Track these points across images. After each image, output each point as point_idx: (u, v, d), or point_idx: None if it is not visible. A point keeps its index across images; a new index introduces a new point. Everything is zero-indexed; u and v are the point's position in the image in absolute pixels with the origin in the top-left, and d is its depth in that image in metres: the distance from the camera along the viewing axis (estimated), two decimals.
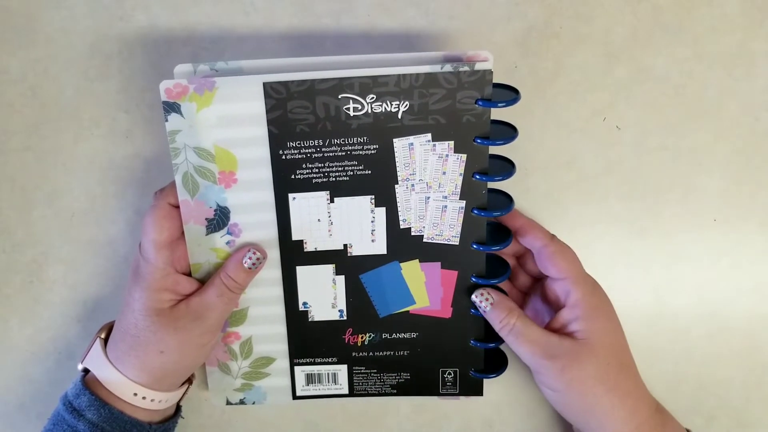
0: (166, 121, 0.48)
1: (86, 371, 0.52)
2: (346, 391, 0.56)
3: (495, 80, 0.48)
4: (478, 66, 0.47)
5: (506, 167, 0.52)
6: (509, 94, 0.50)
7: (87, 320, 0.58)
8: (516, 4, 0.55)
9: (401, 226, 0.51)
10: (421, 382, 0.56)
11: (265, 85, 0.47)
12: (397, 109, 0.48)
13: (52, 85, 0.56)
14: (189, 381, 0.55)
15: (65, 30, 0.55)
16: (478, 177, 0.50)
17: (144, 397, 0.50)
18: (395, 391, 0.56)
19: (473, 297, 0.52)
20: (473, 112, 0.48)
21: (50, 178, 0.57)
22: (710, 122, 0.56)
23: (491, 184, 0.51)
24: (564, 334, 0.50)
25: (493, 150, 0.51)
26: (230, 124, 0.48)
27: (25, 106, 0.56)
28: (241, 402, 0.57)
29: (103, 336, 0.52)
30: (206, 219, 0.51)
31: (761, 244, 0.57)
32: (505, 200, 0.53)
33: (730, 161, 0.56)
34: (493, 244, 0.52)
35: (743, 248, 0.57)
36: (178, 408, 0.55)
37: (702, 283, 0.58)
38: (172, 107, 0.48)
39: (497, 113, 0.52)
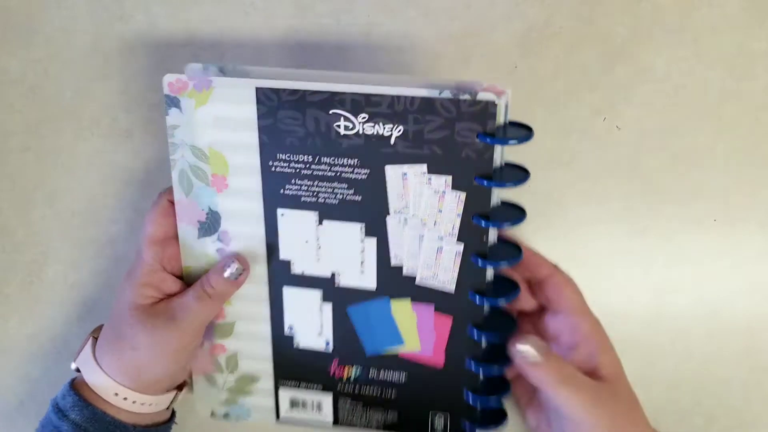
0: (167, 114, 0.48)
1: (77, 370, 0.52)
2: (330, 420, 0.54)
3: (509, 112, 0.45)
4: (481, 96, 0.43)
5: (515, 213, 0.47)
6: (520, 132, 0.46)
7: (87, 320, 0.58)
8: (516, 4, 0.55)
9: (392, 263, 0.49)
10: (409, 423, 0.53)
11: (257, 90, 0.46)
12: (390, 133, 0.45)
13: (52, 85, 0.56)
14: (180, 387, 0.54)
15: (65, 30, 0.55)
16: (479, 221, 0.46)
17: (125, 398, 0.49)
18: (381, 426, 0.54)
19: (520, 347, 0.46)
20: (474, 147, 0.45)
21: (50, 178, 0.57)
22: (710, 122, 0.56)
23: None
24: (586, 372, 0.48)
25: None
26: (224, 126, 0.48)
27: (25, 106, 0.56)
28: (226, 416, 0.56)
29: (96, 336, 0.52)
30: (198, 221, 0.50)
31: (761, 244, 0.57)
32: (511, 248, 0.48)
33: (730, 161, 0.56)
34: (496, 294, 0.48)
35: (743, 248, 0.57)
36: (173, 414, 0.55)
37: (702, 283, 0.58)
38: (173, 101, 0.47)
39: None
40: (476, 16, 0.55)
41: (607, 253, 0.57)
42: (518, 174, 0.47)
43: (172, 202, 0.50)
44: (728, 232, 0.57)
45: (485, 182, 0.45)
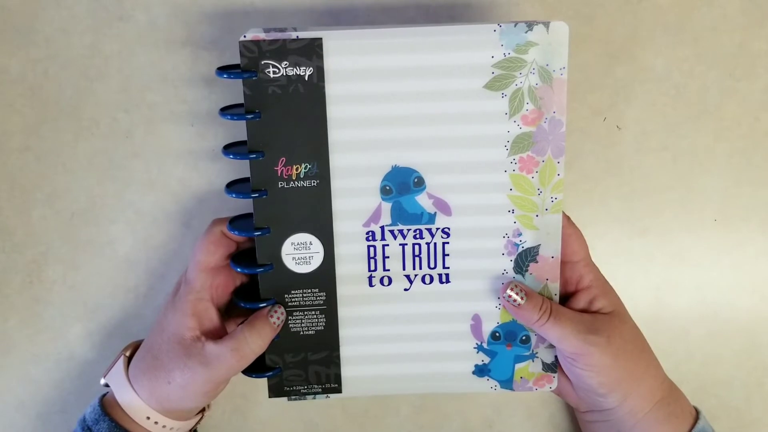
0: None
1: (106, 386, 0.52)
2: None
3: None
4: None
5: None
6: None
7: (87, 320, 0.58)
8: (516, 4, 0.55)
9: None
10: None
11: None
12: None
13: (52, 85, 0.56)
14: (204, 410, 0.54)
15: (65, 30, 0.55)
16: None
17: (156, 422, 0.49)
18: None
19: (508, 292, 0.50)
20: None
21: (50, 178, 0.57)
22: (710, 122, 0.56)
23: None
24: (591, 312, 0.51)
25: None
26: None
27: (25, 106, 0.56)
28: None
29: (127, 354, 0.52)
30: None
31: (761, 244, 0.57)
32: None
33: (730, 161, 0.57)
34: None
35: (743, 248, 0.57)
36: None
37: (702, 283, 0.58)
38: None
39: None
40: (476, 15, 0.55)
41: (608, 253, 0.57)
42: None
43: (224, 232, 0.50)
44: (728, 232, 0.57)
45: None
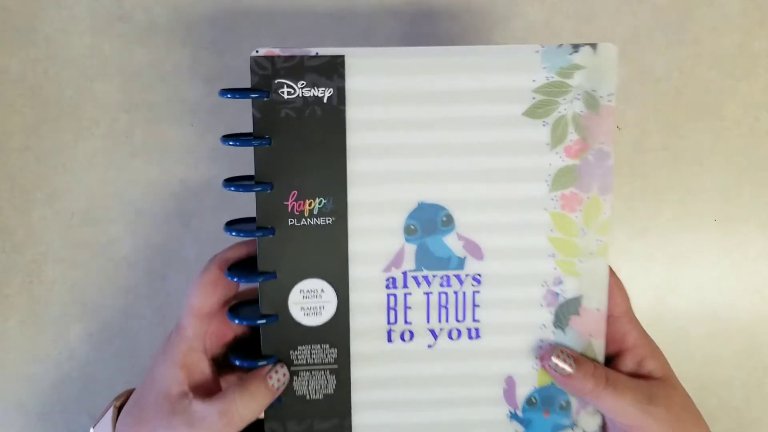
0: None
1: None
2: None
3: None
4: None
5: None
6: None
7: (87, 320, 0.58)
8: (516, 4, 0.55)
9: None
10: None
11: None
12: None
13: (52, 85, 0.56)
14: None
15: (65, 30, 0.55)
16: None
17: None
18: None
19: (553, 360, 0.43)
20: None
21: (50, 178, 0.57)
22: (710, 122, 0.56)
23: None
24: (640, 376, 0.44)
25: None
26: None
27: (25, 106, 0.56)
28: None
29: (117, 405, 0.47)
30: None
31: (761, 244, 0.57)
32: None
33: (730, 161, 0.57)
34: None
35: (743, 248, 0.57)
36: None
37: (702, 283, 0.58)
38: None
39: None
40: (476, 15, 0.55)
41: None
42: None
43: (222, 270, 0.44)
44: (728, 232, 0.57)
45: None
